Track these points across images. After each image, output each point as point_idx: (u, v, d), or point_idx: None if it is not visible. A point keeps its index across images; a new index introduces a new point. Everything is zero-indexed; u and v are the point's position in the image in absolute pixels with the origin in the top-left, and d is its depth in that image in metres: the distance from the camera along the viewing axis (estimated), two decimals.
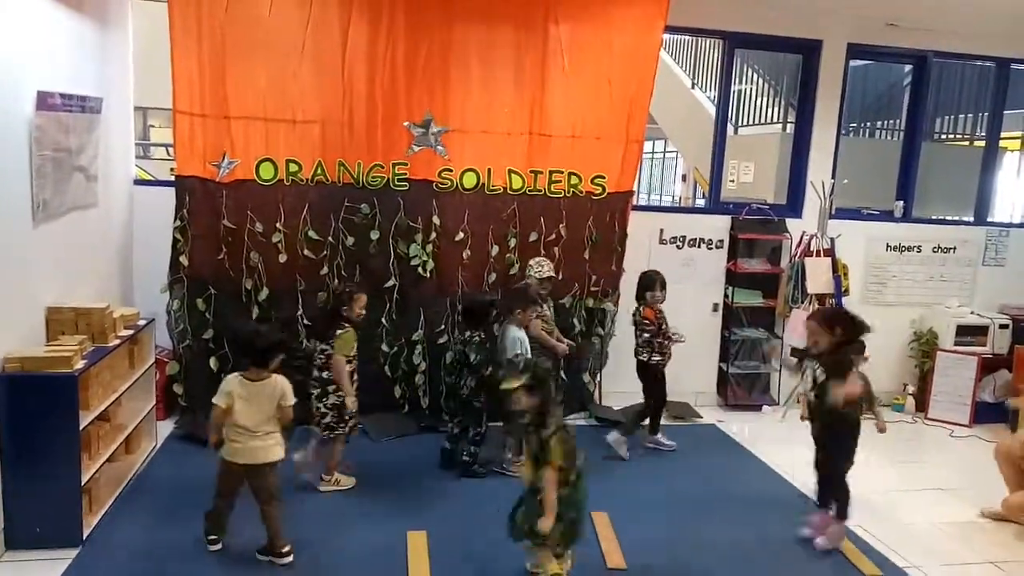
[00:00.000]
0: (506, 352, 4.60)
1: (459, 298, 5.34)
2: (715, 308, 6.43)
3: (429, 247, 5.41)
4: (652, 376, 5.21)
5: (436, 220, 5.41)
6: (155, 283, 5.20)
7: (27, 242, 3.78)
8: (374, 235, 5.35)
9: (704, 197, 7.46)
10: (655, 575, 3.76)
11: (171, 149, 5.74)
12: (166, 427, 5.13)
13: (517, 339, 4.61)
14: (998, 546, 4.27)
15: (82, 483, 3.62)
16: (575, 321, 5.68)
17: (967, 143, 8.73)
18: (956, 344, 6.48)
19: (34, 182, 3.77)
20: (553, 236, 5.62)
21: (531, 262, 5.24)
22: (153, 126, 10.37)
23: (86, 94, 4.38)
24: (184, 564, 3.58)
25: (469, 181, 5.47)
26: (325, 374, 4.29)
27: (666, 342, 5.19)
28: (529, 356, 4.48)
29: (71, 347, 3.67)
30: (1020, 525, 4.44)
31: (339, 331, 4.25)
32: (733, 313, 6.37)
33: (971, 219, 7.06)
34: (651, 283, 5.16)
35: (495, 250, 5.54)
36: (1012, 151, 8.56)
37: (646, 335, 5.17)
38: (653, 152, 13.14)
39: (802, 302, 6.18)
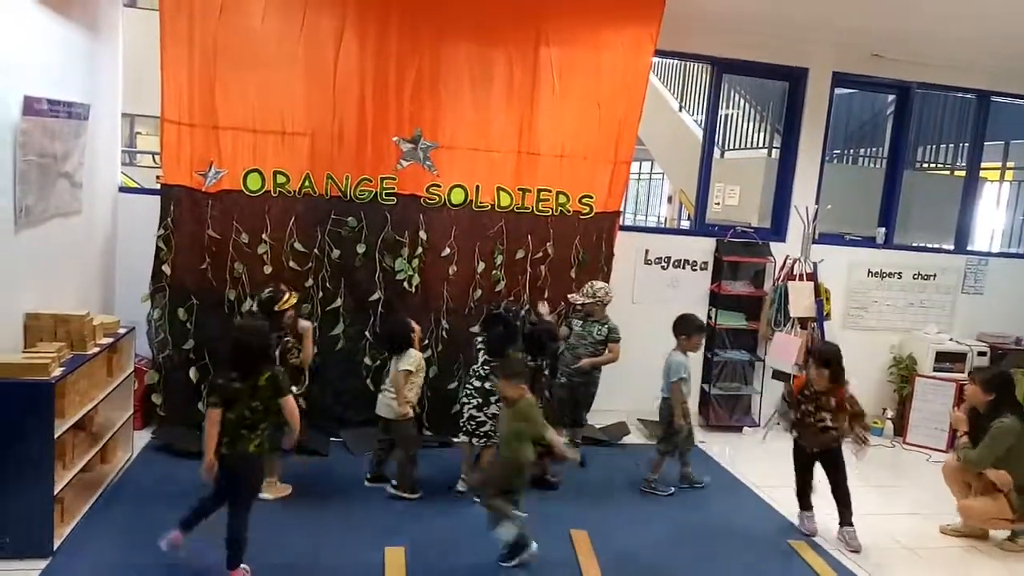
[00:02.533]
0: (667, 376, 4.86)
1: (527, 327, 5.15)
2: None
3: (415, 262, 5.41)
4: (796, 457, 4.62)
5: (423, 235, 5.41)
6: (137, 291, 5.15)
7: (8, 247, 3.74)
8: (360, 248, 5.34)
9: (689, 219, 7.53)
10: None
11: (158, 157, 5.72)
12: (143, 437, 5.07)
13: (680, 364, 4.83)
14: (974, 570, 4.30)
15: (55, 492, 3.56)
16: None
17: (948, 172, 8.90)
18: (935, 370, 6.55)
19: (17, 187, 3.74)
20: (540, 254, 5.64)
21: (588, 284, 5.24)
22: (140, 133, 10.35)
23: (73, 100, 4.36)
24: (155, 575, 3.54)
25: (457, 197, 5.48)
26: (488, 384, 4.52)
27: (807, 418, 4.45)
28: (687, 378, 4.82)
29: (49, 354, 3.62)
30: (973, 538, 4.59)
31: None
32: (716, 335, 6.40)
33: (951, 247, 7.16)
34: (838, 358, 4.42)
35: (481, 267, 5.54)
36: (991, 181, 8.73)
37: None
38: (639, 173, 13.24)
39: (784, 325, 6.23)
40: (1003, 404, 4.49)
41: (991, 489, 4.55)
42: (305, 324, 4.56)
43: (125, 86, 5.51)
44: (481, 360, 4.65)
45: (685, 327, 4.97)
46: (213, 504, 3.55)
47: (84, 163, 4.58)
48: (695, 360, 6.37)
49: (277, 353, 4.19)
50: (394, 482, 4.55)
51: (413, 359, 4.50)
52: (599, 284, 5.24)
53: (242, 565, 3.48)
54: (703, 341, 5.15)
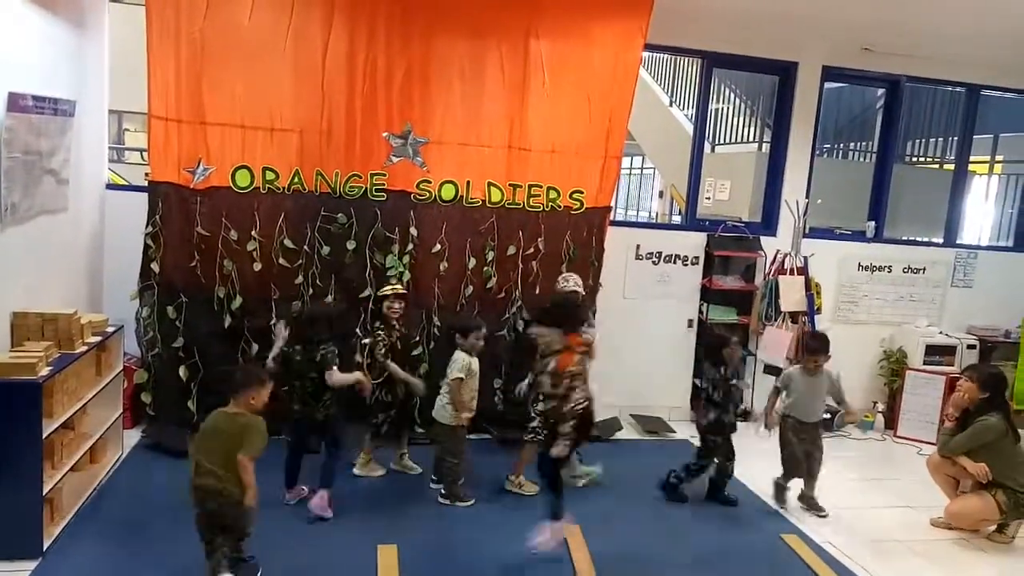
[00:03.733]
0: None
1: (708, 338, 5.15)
2: (690, 324, 6.47)
3: (406, 258, 5.38)
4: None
5: (413, 231, 5.39)
6: (125, 289, 5.11)
7: None
8: (350, 245, 5.31)
9: (680, 214, 7.53)
10: None
11: (145, 154, 5.67)
12: (133, 436, 5.04)
13: (782, 374, 4.95)
14: (964, 563, 4.33)
15: (44, 493, 3.53)
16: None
17: (937, 166, 8.93)
18: (925, 363, 6.58)
19: (2, 184, 3.69)
20: (531, 250, 5.62)
21: (560, 277, 5.22)
22: (128, 130, 10.28)
23: (59, 96, 4.32)
24: (146, 574, 3.52)
25: (447, 193, 5.46)
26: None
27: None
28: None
29: (36, 353, 3.59)
30: (963, 531, 4.64)
31: None
32: (708, 329, 6.41)
33: (940, 241, 7.19)
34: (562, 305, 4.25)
35: (472, 263, 5.52)
36: (980, 175, 8.76)
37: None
38: (631, 168, 13.22)
39: (775, 319, 6.24)
40: (993, 403, 4.59)
41: (978, 486, 4.61)
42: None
43: (112, 82, 5.46)
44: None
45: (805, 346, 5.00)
46: (295, 458, 4.33)
47: (70, 160, 4.54)
48: (687, 355, 6.43)
49: (368, 344, 4.73)
50: (443, 490, 4.55)
51: (461, 364, 4.47)
52: (574, 275, 5.20)
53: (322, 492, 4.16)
54: (820, 360, 4.81)
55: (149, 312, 5.08)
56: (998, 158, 9.62)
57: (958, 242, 7.22)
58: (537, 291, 5.59)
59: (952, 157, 7.65)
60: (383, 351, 4.65)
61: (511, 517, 4.40)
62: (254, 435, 3.23)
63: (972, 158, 7.37)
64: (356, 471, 4.78)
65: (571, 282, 5.09)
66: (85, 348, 4.04)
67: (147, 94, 4.99)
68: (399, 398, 4.73)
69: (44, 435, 3.50)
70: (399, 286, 4.93)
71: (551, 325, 3.91)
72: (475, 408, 4.57)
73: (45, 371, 3.56)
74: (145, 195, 5.13)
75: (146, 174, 5.32)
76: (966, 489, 4.73)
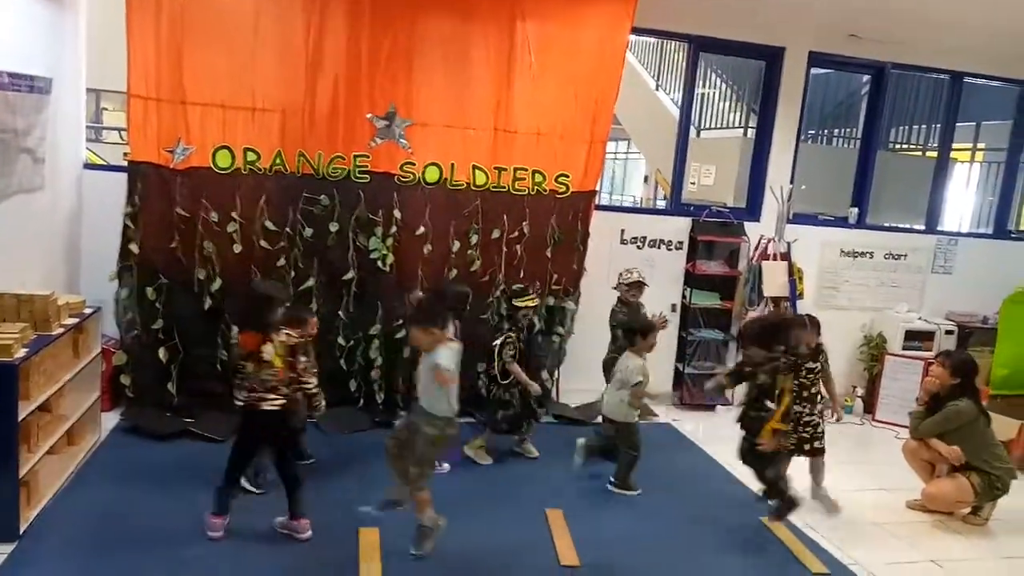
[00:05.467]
0: None
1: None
2: (673, 308, 6.49)
3: (389, 240, 5.35)
4: None
5: (397, 213, 5.35)
6: (103, 270, 5.05)
7: None
8: (333, 227, 5.27)
9: (665, 199, 7.53)
10: (608, 572, 3.78)
11: (124, 133, 5.59)
12: (111, 419, 4.99)
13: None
14: (940, 545, 4.39)
15: (20, 476, 3.49)
16: (535, 319, 5.67)
17: (920, 153, 8.98)
18: (904, 349, 6.65)
19: None
20: (516, 233, 5.60)
21: (624, 270, 5.48)
22: (106, 109, 10.07)
23: (35, 74, 4.23)
24: (124, 558, 3.49)
25: (432, 175, 5.42)
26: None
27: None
28: None
29: (11, 335, 3.52)
30: (939, 513, 4.71)
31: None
32: (691, 314, 6.43)
33: (922, 227, 7.24)
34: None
35: (456, 246, 5.50)
36: (962, 163, 8.82)
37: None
38: (616, 152, 13.22)
39: (758, 304, 6.28)
40: (964, 388, 4.65)
41: (952, 469, 4.68)
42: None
43: (91, 61, 5.36)
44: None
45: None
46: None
47: (47, 138, 4.47)
48: (670, 340, 6.45)
49: (498, 346, 4.78)
50: (612, 478, 4.66)
51: (637, 368, 4.54)
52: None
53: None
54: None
55: (128, 293, 5.02)
56: (980, 146, 9.68)
57: (939, 229, 7.28)
58: (522, 275, 5.59)
59: (935, 144, 7.69)
60: (512, 353, 4.75)
61: (501, 502, 4.42)
62: None
63: (954, 145, 7.42)
64: (466, 450, 4.88)
65: (635, 274, 5.41)
66: (62, 330, 3.98)
67: (127, 72, 4.91)
68: (517, 397, 4.87)
69: (20, 417, 3.45)
70: (536, 299, 5.14)
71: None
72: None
73: (21, 353, 3.51)
74: (124, 175, 5.06)
75: (125, 154, 5.24)
76: (942, 473, 4.79)
